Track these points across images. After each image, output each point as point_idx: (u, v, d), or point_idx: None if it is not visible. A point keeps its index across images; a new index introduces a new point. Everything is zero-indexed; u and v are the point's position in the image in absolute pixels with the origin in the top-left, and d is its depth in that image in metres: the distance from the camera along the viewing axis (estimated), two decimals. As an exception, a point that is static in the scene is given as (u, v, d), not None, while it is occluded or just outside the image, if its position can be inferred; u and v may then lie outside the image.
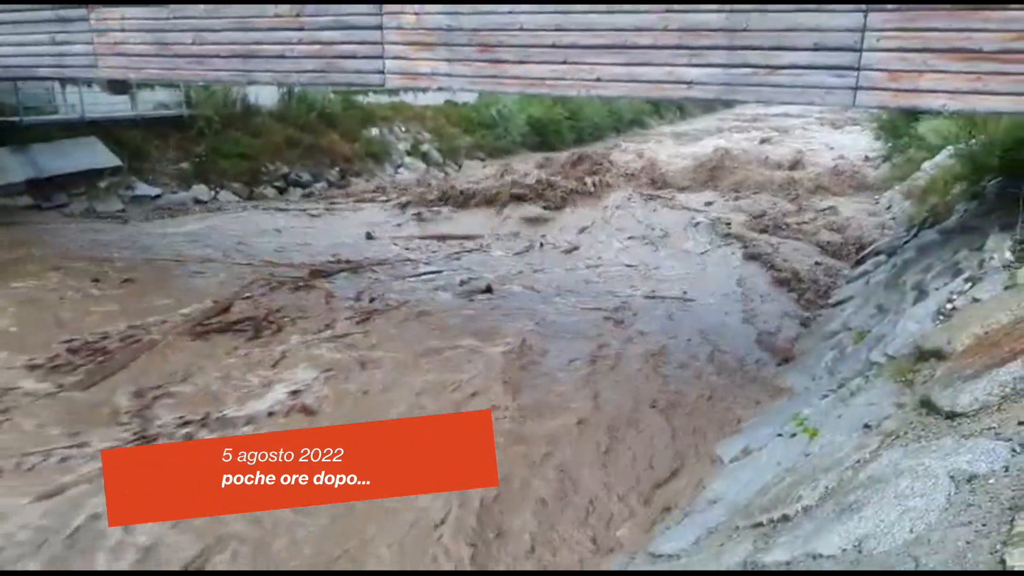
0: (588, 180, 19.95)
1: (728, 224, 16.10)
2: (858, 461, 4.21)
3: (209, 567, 5.32)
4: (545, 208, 17.47)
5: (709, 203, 18.92)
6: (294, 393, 7.89)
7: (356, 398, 7.90)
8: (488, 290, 11.74)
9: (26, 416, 7.29)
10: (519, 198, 17.76)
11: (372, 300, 11.09)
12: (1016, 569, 2.45)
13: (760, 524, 4.26)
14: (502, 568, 5.48)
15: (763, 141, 32.03)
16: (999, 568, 2.53)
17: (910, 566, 2.85)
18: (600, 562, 5.44)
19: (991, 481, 3.17)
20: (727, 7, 6.99)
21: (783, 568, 3.54)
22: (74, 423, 7.17)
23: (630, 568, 5.11)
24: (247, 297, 10.93)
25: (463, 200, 18.25)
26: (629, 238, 15.59)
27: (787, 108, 39.76)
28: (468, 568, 5.40)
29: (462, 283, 12.26)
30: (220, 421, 7.28)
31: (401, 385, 8.18)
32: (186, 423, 7.23)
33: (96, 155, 17.68)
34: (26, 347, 8.74)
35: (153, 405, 7.61)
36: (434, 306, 10.98)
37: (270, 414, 7.44)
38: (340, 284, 11.96)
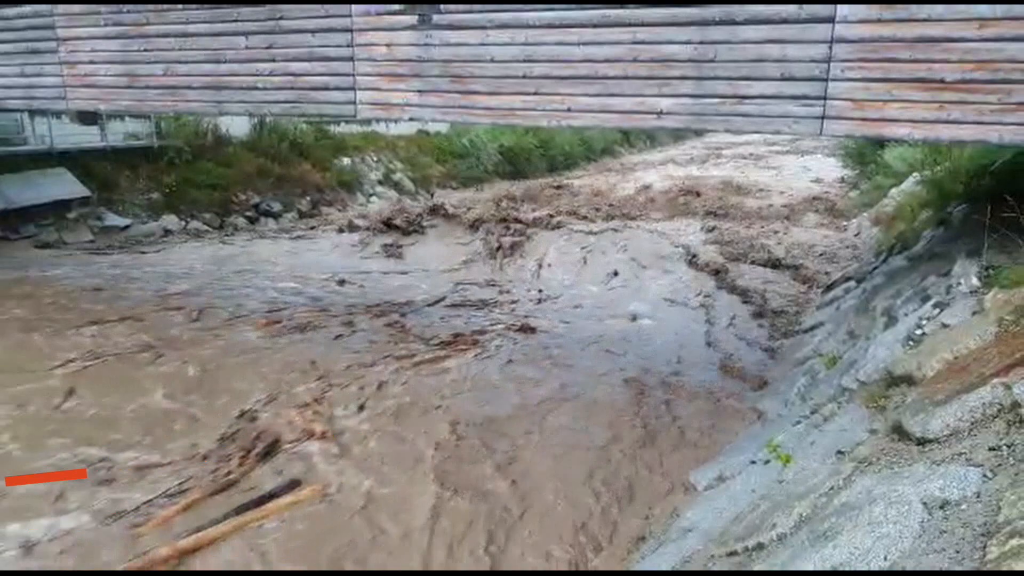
0: (556, 213, 19.99)
1: (695, 255, 16.17)
2: (832, 488, 4.23)
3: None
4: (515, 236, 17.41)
5: (679, 231, 18.98)
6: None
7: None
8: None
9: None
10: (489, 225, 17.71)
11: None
12: (1015, 569, 2.48)
13: (735, 552, 4.26)
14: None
15: (733, 169, 32.32)
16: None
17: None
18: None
19: (963, 507, 3.20)
20: (696, 39, 7.10)
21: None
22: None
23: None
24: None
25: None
26: (603, 267, 15.62)
27: (756, 136, 40.17)
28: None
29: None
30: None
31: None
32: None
33: (65, 186, 17.54)
34: None
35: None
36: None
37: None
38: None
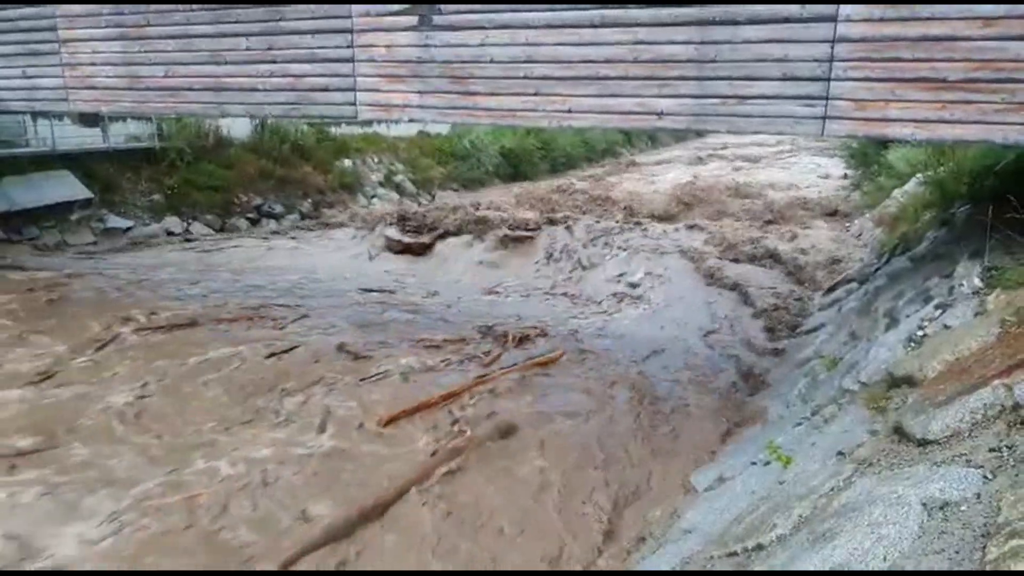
0: (561, 212, 20.00)
1: (701, 254, 16.13)
2: (832, 489, 4.21)
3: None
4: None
5: (681, 231, 18.92)
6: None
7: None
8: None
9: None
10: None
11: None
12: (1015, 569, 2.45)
13: (735, 553, 4.24)
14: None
15: (734, 170, 32.29)
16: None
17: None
18: None
19: (963, 508, 3.17)
20: (696, 39, 7.07)
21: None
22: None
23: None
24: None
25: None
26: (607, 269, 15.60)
27: (758, 137, 40.14)
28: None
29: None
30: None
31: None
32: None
33: (67, 188, 17.56)
34: None
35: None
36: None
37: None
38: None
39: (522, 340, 10.89)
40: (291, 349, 9.94)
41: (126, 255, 16.60)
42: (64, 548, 5.63)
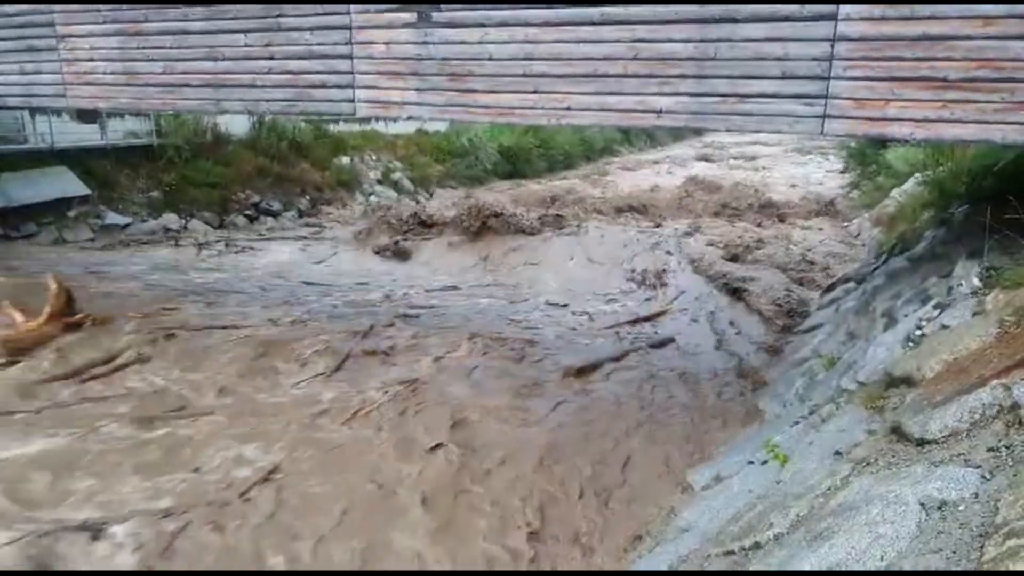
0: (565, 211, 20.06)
1: (698, 252, 16.15)
2: (829, 488, 4.20)
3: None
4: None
5: (681, 231, 18.94)
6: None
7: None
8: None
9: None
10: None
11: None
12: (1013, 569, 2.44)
13: (732, 552, 4.23)
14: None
15: (732, 168, 32.32)
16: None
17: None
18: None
19: (961, 508, 3.16)
20: (696, 37, 7.06)
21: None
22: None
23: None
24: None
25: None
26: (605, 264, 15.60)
27: (757, 136, 40.15)
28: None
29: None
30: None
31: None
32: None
33: (65, 184, 17.53)
34: None
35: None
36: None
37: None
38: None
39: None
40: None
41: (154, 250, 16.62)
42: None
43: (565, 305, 13.12)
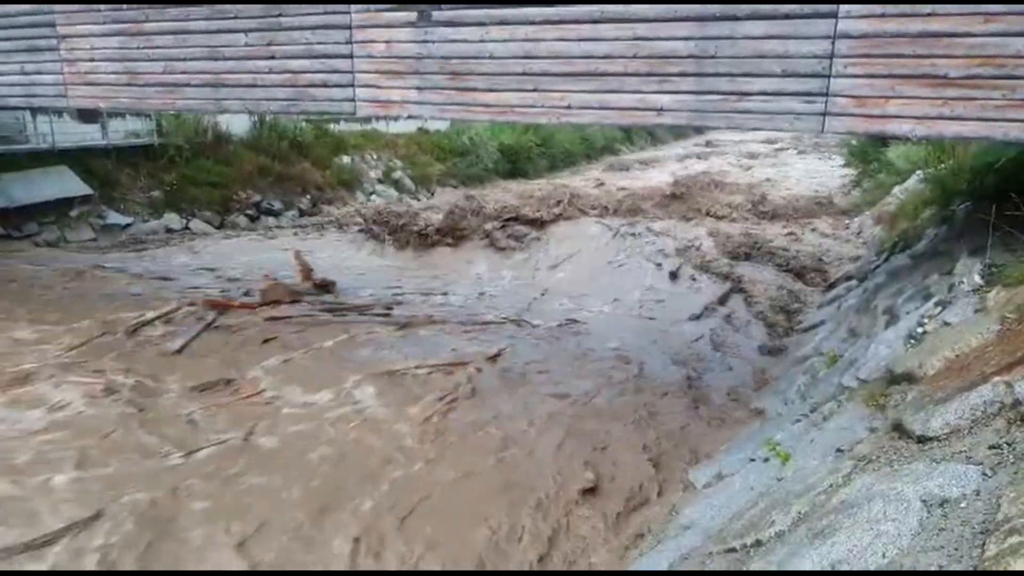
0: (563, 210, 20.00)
1: (700, 250, 16.12)
2: (831, 486, 4.20)
3: None
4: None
5: (679, 227, 18.90)
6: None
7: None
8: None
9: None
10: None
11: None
12: (1013, 568, 2.44)
13: (733, 550, 4.23)
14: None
15: (733, 166, 32.31)
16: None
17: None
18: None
19: (963, 505, 3.16)
20: (696, 35, 7.05)
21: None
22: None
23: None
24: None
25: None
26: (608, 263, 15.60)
27: (758, 133, 40.11)
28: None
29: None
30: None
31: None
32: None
33: (67, 184, 17.55)
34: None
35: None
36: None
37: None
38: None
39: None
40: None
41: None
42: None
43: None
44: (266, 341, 10.31)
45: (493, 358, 9.92)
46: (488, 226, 17.24)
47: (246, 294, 12.90)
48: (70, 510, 5.90)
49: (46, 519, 5.77)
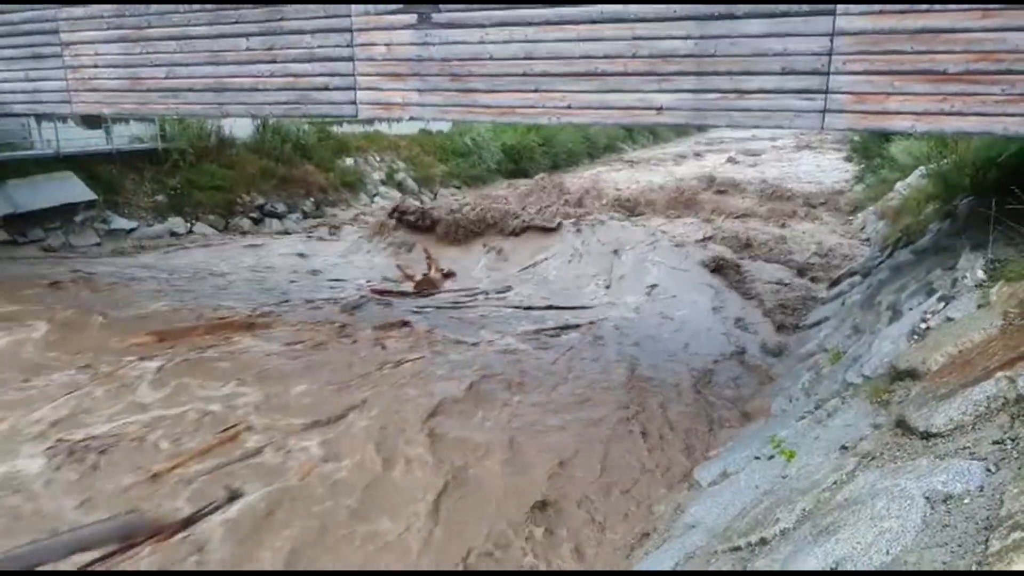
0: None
1: (705, 246, 16.14)
2: (835, 483, 4.20)
3: None
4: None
5: (683, 225, 18.92)
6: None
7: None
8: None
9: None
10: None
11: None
12: (1014, 569, 2.44)
13: (738, 548, 4.24)
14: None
15: (734, 161, 32.34)
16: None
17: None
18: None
19: (966, 501, 3.16)
20: (696, 34, 7.06)
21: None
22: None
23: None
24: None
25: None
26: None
27: (760, 131, 40.08)
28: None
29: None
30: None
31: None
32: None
33: (71, 189, 17.56)
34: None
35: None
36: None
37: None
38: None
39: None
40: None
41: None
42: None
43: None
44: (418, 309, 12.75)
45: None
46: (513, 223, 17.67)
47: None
48: (343, 399, 8.53)
49: (328, 408, 8.24)
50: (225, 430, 7.67)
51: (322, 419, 7.97)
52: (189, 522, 6.05)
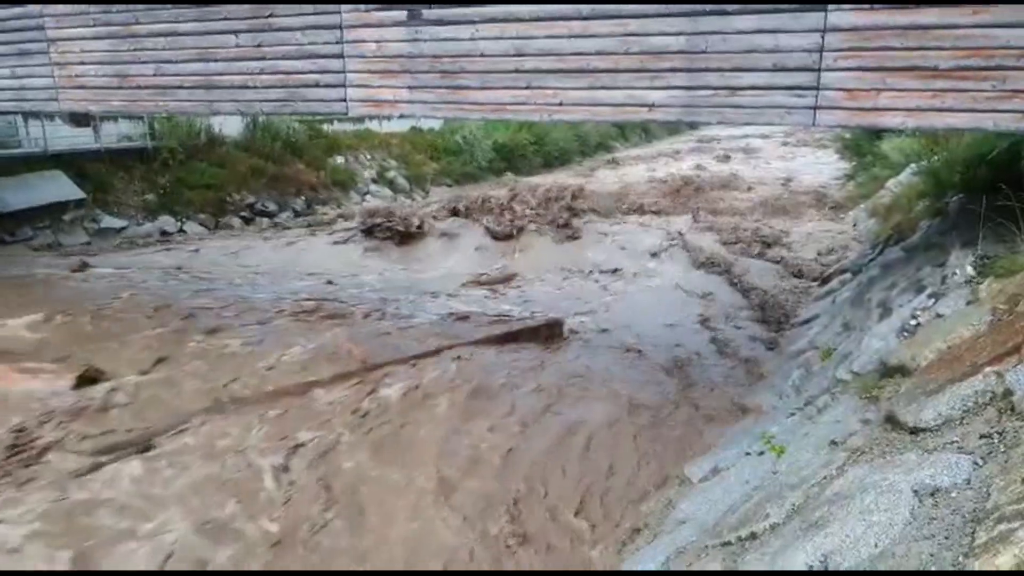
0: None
1: (696, 244, 16.15)
2: (824, 478, 4.21)
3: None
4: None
5: (675, 223, 18.92)
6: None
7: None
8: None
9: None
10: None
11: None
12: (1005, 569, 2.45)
13: (729, 543, 4.24)
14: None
15: (726, 159, 32.40)
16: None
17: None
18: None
19: (953, 494, 3.17)
20: (687, 30, 7.05)
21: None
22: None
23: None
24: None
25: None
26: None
27: (752, 128, 40.15)
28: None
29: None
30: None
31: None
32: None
33: (60, 188, 17.51)
34: None
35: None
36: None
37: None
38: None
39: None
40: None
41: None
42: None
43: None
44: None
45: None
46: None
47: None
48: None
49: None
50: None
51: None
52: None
